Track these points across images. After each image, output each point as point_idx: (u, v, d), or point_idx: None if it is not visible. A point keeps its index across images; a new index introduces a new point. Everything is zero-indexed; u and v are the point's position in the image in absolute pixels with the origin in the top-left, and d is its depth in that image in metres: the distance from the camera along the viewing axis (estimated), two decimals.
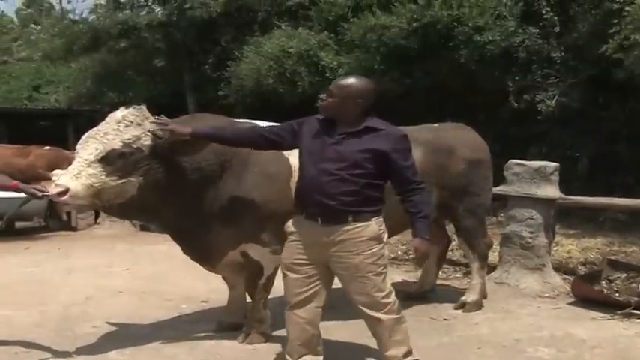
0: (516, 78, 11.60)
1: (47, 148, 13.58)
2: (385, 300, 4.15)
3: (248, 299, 5.53)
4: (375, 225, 4.08)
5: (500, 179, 7.18)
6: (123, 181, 4.59)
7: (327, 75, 13.14)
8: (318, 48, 13.65)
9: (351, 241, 4.05)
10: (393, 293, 4.24)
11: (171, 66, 18.32)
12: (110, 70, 20.12)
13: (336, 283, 4.34)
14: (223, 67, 15.45)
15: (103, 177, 4.53)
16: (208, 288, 6.84)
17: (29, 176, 11.82)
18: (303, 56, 13.74)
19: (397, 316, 4.25)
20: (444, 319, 6.03)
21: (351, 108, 4.10)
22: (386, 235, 4.18)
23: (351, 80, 4.24)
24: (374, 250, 4.08)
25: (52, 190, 4.49)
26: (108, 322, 5.95)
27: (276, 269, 5.31)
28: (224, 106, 14.96)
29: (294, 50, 13.75)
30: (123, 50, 19.07)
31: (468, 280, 6.87)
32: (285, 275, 4.34)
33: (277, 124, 4.65)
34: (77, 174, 4.51)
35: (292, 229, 4.33)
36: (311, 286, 4.22)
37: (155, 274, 8.13)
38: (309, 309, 4.24)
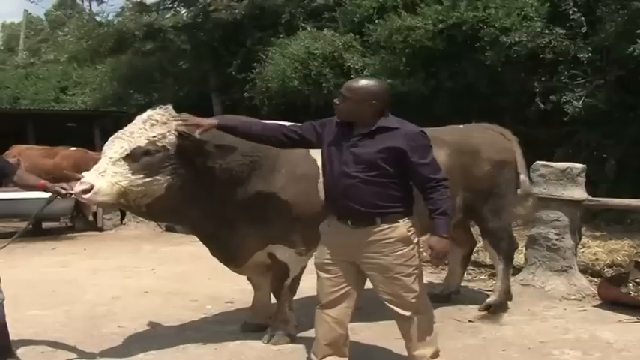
0: (543, 79, 11.51)
1: (73, 149, 13.76)
2: (416, 300, 4.14)
3: (273, 300, 5.55)
4: (403, 227, 4.06)
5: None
6: (149, 179, 4.59)
7: (353, 76, 13.13)
8: (343, 49, 13.71)
9: (380, 242, 4.05)
10: (425, 294, 4.25)
11: (196, 68, 18.41)
12: (136, 72, 20.32)
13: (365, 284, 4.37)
14: (249, 68, 15.52)
15: (129, 175, 4.53)
16: (233, 289, 6.87)
17: (56, 177, 11.97)
18: (328, 58, 13.80)
19: (428, 316, 4.26)
20: (469, 321, 6.00)
21: (365, 110, 4.10)
22: (416, 236, 4.14)
23: (363, 82, 4.26)
24: (403, 251, 4.07)
25: (77, 187, 4.51)
26: (133, 322, 5.99)
27: (302, 270, 5.35)
28: (250, 107, 15.04)
29: (320, 52, 13.82)
30: (149, 52, 19.22)
31: (493, 281, 6.83)
32: (318, 275, 4.35)
33: (299, 124, 4.67)
34: (102, 172, 4.52)
35: (324, 229, 4.35)
36: (342, 286, 4.23)
37: (180, 274, 8.19)
38: (340, 309, 4.25)
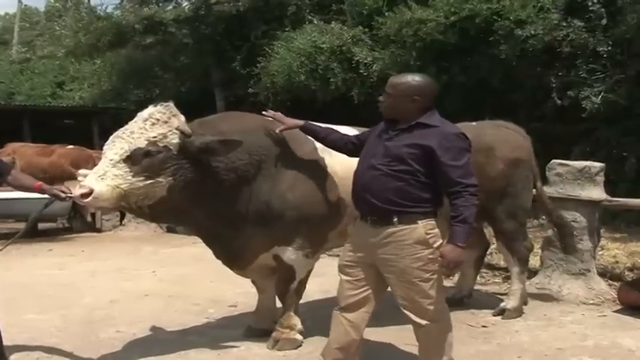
0: (560, 74, 11.48)
1: (70, 146, 13.79)
2: (432, 307, 4.10)
3: (278, 304, 5.55)
4: (422, 228, 4.00)
5: (542, 180, 7.12)
6: (151, 181, 4.60)
7: (361, 71, 13.19)
8: (351, 43, 13.71)
9: (396, 243, 4.02)
10: (443, 301, 4.20)
11: (198, 62, 18.45)
12: (136, 67, 20.36)
13: None
14: (253, 63, 15.55)
15: (130, 177, 4.55)
16: (237, 292, 6.89)
17: (52, 175, 12.02)
18: (336, 52, 13.81)
19: (443, 325, 4.22)
20: (483, 327, 6.00)
21: (407, 106, 4.09)
22: (438, 240, 4.04)
23: (405, 78, 4.23)
24: (420, 254, 4.00)
25: (76, 191, 4.52)
26: (133, 327, 6.00)
27: (308, 273, 5.37)
28: (254, 103, 15.04)
29: (327, 45, 13.83)
30: (149, 46, 19.25)
31: (508, 285, 6.83)
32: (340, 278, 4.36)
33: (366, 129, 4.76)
34: (102, 175, 4.53)
35: (351, 230, 4.37)
36: (362, 289, 4.22)
37: (182, 277, 8.20)
38: (358, 314, 4.25)
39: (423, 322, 4.11)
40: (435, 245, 4.02)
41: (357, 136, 4.73)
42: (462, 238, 3.91)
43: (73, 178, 11.90)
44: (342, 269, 4.30)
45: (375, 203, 4.02)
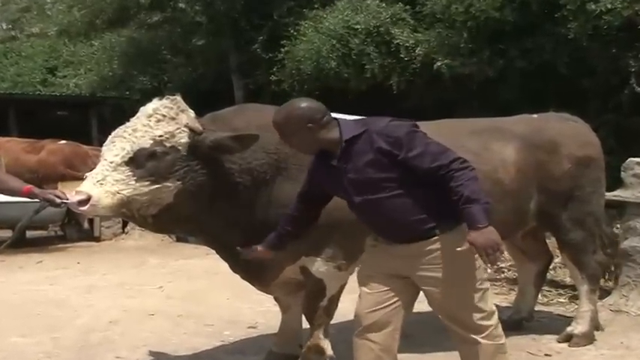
0: None
1: (63, 142, 13.80)
2: (484, 322, 4.10)
3: (305, 325, 5.57)
4: (463, 232, 3.95)
5: (616, 182, 7.09)
6: (156, 186, 4.63)
7: (402, 56, 13.17)
8: (390, 23, 13.68)
9: (437, 252, 4.02)
10: (496, 315, 4.20)
11: (213, 45, 18.49)
12: (140, 50, 20.41)
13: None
14: (276, 46, 15.55)
15: (132, 182, 4.58)
16: (257, 311, 6.93)
17: (41, 175, 12.11)
18: (372, 33, 13.79)
19: (499, 342, 4.19)
20: (546, 355, 5.99)
21: (312, 138, 4.13)
22: None
23: (281, 115, 4.22)
24: (464, 261, 4.00)
25: (72, 197, 4.56)
26: (135, 352, 6.07)
27: (341, 289, 5.36)
28: (277, 93, 15.07)
29: (362, 26, 13.81)
30: (155, 25, 19.33)
31: (575, 306, 6.80)
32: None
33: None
34: (101, 179, 4.56)
35: (373, 241, 4.36)
36: (387, 304, 4.19)
37: (193, 293, 8.27)
38: (386, 334, 4.20)
39: (474, 337, 4.09)
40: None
41: (303, 190, 4.58)
42: (479, 217, 3.79)
43: (65, 179, 12.10)
44: (362, 281, 4.29)
45: (406, 232, 4.04)
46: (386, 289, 4.18)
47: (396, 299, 4.19)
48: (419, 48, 12.89)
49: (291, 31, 15.15)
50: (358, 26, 13.85)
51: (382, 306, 4.18)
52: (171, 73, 19.06)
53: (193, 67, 19.28)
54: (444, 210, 3.98)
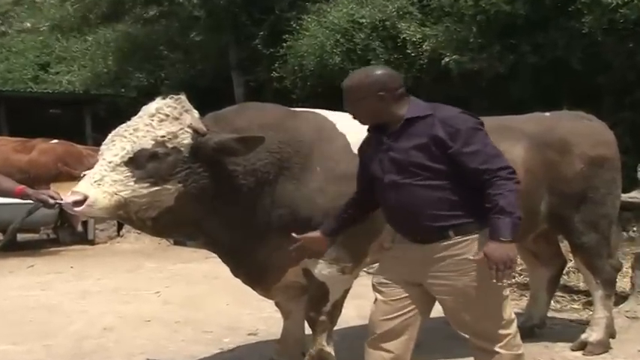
0: None
1: (54, 141, 13.79)
2: (502, 331, 4.09)
3: (307, 331, 5.57)
4: (483, 238, 3.96)
5: (632, 183, 7.10)
6: (156, 188, 4.63)
7: (409, 51, 13.18)
8: (397, 17, 13.69)
9: (453, 259, 4.01)
10: (515, 323, 4.18)
11: (212, 40, 18.51)
12: (136, 45, 20.43)
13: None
14: (278, 41, 15.58)
15: (131, 183, 4.59)
16: (257, 317, 6.94)
17: (32, 176, 12.11)
18: (378, 28, 13.81)
19: (518, 352, 4.19)
20: None
21: (378, 107, 4.13)
22: None
23: (355, 78, 4.27)
24: (482, 269, 3.94)
25: (67, 198, 4.56)
26: None
27: (345, 294, 5.36)
28: (279, 90, 15.09)
29: (367, 20, 13.83)
30: (152, 19, 19.35)
31: (590, 312, 6.81)
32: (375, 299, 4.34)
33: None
34: (99, 180, 4.57)
35: (389, 245, 4.37)
36: (402, 312, 4.20)
37: (191, 299, 8.28)
38: (400, 342, 4.21)
39: (495, 348, 4.07)
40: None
41: (359, 179, 4.56)
42: (505, 231, 3.81)
43: (58, 179, 12.09)
44: (376, 288, 4.29)
45: (422, 224, 4.02)
46: (402, 296, 4.19)
47: (411, 307, 4.19)
48: (426, 43, 12.90)
49: (294, 26, 15.19)
50: (363, 20, 13.88)
51: (397, 314, 4.19)
52: (169, 69, 19.07)
53: (191, 63, 19.29)
54: (466, 214, 3.99)
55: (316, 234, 4.58)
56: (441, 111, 4.07)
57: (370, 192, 4.38)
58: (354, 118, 4.32)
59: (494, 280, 3.85)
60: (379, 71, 4.22)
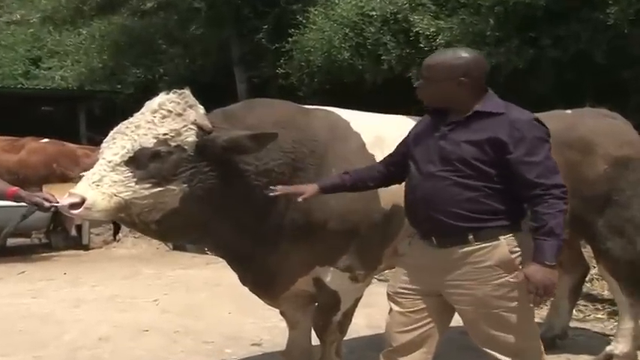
0: None
1: (45, 140, 13.78)
2: (524, 344, 4.09)
3: (314, 341, 5.58)
4: (505, 246, 3.98)
5: None
6: (159, 189, 4.60)
7: (422, 45, 13.11)
8: (409, 9, 13.64)
9: (472, 266, 4.01)
10: (537, 337, 4.20)
11: (214, 34, 18.51)
12: (133, 39, 20.43)
13: None
14: (283, 36, 15.58)
15: (132, 184, 4.55)
16: (261, 327, 6.95)
17: (22, 177, 12.11)
18: (389, 21, 13.78)
19: None
20: None
21: (453, 92, 4.10)
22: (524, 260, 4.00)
23: (445, 55, 4.26)
24: (504, 279, 3.97)
25: (64, 200, 4.51)
26: None
27: (356, 303, 5.37)
28: (284, 87, 15.09)
29: (378, 13, 13.80)
30: (150, 12, 19.34)
31: (615, 322, 6.80)
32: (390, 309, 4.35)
33: None
34: (98, 180, 4.53)
35: (404, 249, 4.36)
36: (420, 324, 4.21)
37: (191, 307, 8.28)
38: (417, 356, 4.24)
39: None
40: (522, 266, 3.96)
41: (395, 152, 4.61)
42: (550, 255, 3.84)
43: (49, 181, 12.08)
44: (392, 298, 4.30)
45: (442, 220, 4.01)
46: (419, 308, 4.20)
47: (429, 320, 4.21)
48: (440, 36, 12.83)
49: (300, 19, 15.17)
50: (374, 13, 13.84)
51: (415, 326, 4.21)
52: (167, 64, 19.05)
53: (191, 58, 19.28)
54: (490, 220, 3.99)
55: (312, 185, 4.66)
56: (514, 112, 4.05)
57: (395, 171, 4.48)
58: (420, 95, 4.30)
59: (532, 304, 3.88)
60: (467, 54, 4.19)
